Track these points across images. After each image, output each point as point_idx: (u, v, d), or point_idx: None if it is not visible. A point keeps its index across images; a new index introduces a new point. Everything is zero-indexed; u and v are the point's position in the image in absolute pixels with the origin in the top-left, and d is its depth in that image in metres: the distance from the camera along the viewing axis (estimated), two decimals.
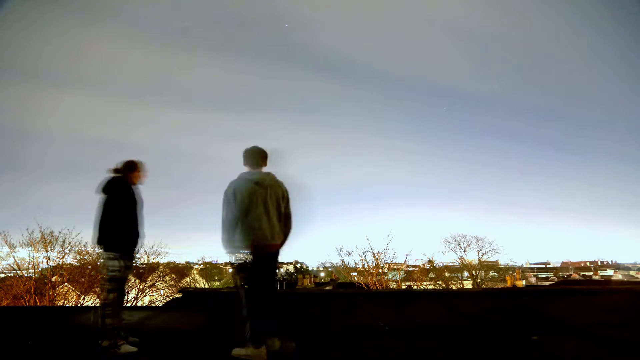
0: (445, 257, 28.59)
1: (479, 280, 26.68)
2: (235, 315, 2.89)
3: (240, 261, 2.97)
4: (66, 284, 16.33)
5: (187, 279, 30.15)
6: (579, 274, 39.02)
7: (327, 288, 20.83)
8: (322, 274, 46.39)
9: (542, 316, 4.31)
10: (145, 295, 20.94)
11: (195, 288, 14.38)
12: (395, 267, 23.75)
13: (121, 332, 3.09)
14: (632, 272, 43.58)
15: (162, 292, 22.52)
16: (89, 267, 17.40)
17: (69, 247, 16.72)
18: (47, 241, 16.06)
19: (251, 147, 3.19)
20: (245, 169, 3.16)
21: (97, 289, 17.53)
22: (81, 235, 16.99)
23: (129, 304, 18.17)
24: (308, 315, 4.56)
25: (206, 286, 32.37)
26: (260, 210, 2.99)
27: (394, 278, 23.27)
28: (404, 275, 25.45)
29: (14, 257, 16.02)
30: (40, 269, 15.90)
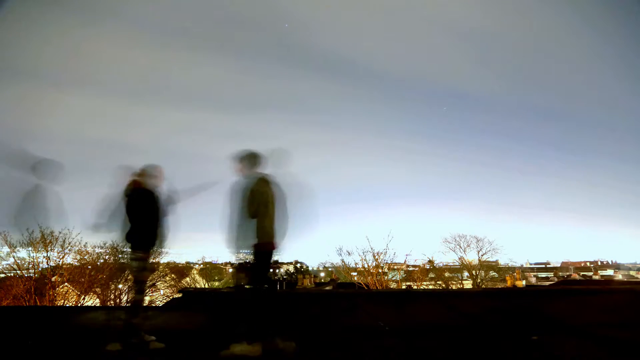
0: (445, 257, 28.59)
1: (479, 280, 26.67)
2: (233, 313, 2.90)
3: (241, 261, 3.00)
4: (66, 284, 16.33)
5: (187, 279, 30.19)
6: (579, 274, 39.00)
7: (327, 288, 20.83)
8: (322, 274, 46.38)
9: (542, 316, 4.31)
10: (145, 295, 20.94)
11: (195, 288, 14.39)
12: (395, 267, 23.74)
13: (142, 332, 3.16)
14: (632, 272, 43.55)
15: (162, 292, 22.53)
16: (89, 267, 17.41)
17: (69, 247, 16.71)
18: (47, 241, 16.06)
19: (248, 150, 3.23)
20: (242, 171, 3.18)
21: (97, 289, 17.54)
22: (81, 235, 16.99)
23: (129, 304, 18.16)
24: (308, 315, 4.56)
25: (206, 286, 32.37)
26: (262, 210, 3.01)
27: (394, 278, 23.26)
28: (404, 275, 25.43)
29: (14, 257, 16.02)
30: (40, 269, 15.90)
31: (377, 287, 19.13)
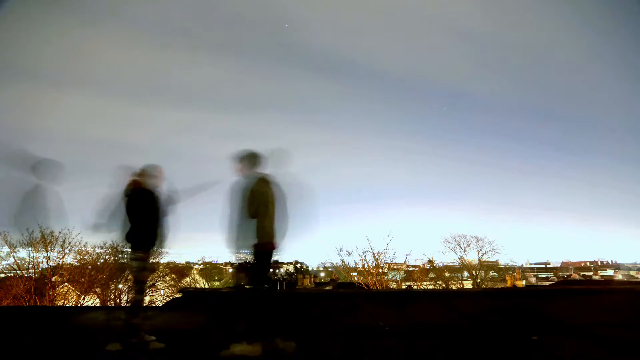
0: (445, 257, 28.59)
1: (479, 280, 26.67)
2: (233, 313, 2.90)
3: (241, 261, 3.00)
4: (66, 284, 16.34)
5: (187, 279, 30.19)
6: (579, 274, 38.98)
7: (327, 288, 20.83)
8: (322, 274, 46.38)
9: (542, 316, 4.31)
10: (145, 295, 20.95)
11: (195, 288, 14.39)
12: (395, 267, 23.73)
13: (142, 332, 3.16)
14: (632, 272, 43.54)
15: (162, 292, 22.54)
16: (89, 267, 17.42)
17: (69, 247, 16.72)
18: (47, 241, 16.06)
19: (248, 150, 3.23)
20: (242, 171, 3.19)
21: (97, 289, 17.55)
22: (81, 235, 16.99)
23: (129, 304, 18.17)
24: (308, 315, 4.56)
25: (206, 286, 32.37)
26: (262, 210, 3.02)
27: (394, 278, 23.26)
28: (404, 275, 25.43)
29: (14, 257, 16.03)
30: (40, 269, 15.91)
31: (377, 287, 19.13)
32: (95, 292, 17.49)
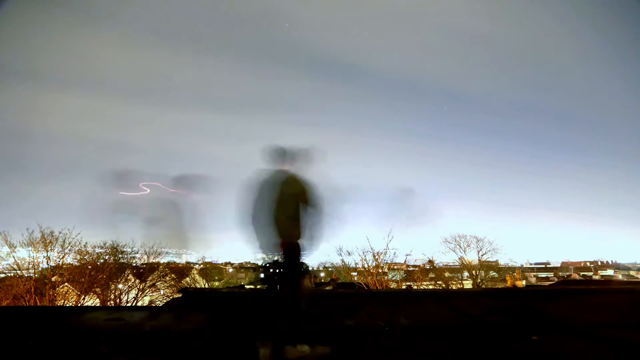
0: (445, 257, 28.59)
1: (479, 280, 26.69)
2: (233, 313, 2.88)
3: (268, 263, 2.95)
4: (66, 284, 16.34)
5: (187, 279, 30.14)
6: (579, 274, 38.98)
7: (327, 288, 20.83)
8: (322, 274, 46.36)
9: (542, 316, 4.31)
10: (145, 295, 20.96)
11: (195, 288, 14.39)
12: (395, 267, 23.73)
13: None
14: (632, 272, 43.56)
15: (162, 292, 22.53)
16: (89, 267, 17.42)
17: (69, 247, 16.75)
18: (47, 241, 16.08)
19: (279, 146, 3.13)
20: (271, 167, 3.10)
21: (97, 289, 17.54)
22: (81, 236, 17.01)
23: (129, 304, 18.18)
24: (308, 315, 4.55)
25: (206, 286, 32.36)
26: (290, 208, 2.94)
27: (394, 278, 23.26)
28: (404, 275, 25.42)
29: (14, 257, 16.05)
30: (40, 269, 15.92)
31: (377, 287, 19.13)
32: (95, 292, 17.50)
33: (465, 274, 28.03)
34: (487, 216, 69.30)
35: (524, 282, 31.02)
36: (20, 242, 16.13)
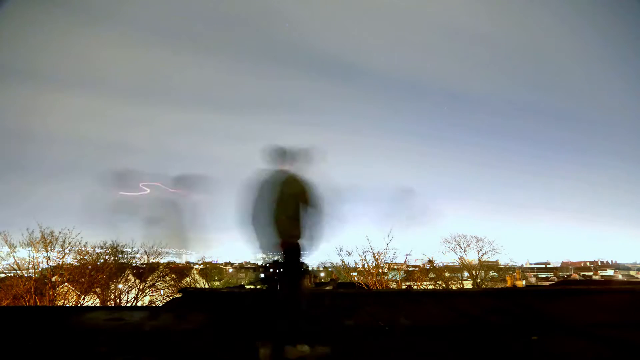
0: (445, 257, 28.58)
1: (479, 280, 26.69)
2: (233, 313, 2.88)
3: (268, 263, 2.96)
4: (66, 284, 16.34)
5: (187, 279, 30.15)
6: (579, 274, 38.97)
7: (327, 288, 20.83)
8: (322, 274, 46.37)
9: (542, 316, 4.31)
10: (145, 295, 20.97)
11: (195, 288, 14.39)
12: (395, 267, 23.73)
13: None
14: (632, 272, 43.56)
15: (162, 292, 22.53)
16: (89, 267, 17.42)
17: (69, 247, 16.76)
18: (47, 241, 16.09)
19: (279, 146, 3.14)
20: (271, 167, 3.12)
21: (97, 289, 17.55)
22: (81, 235, 17.01)
23: (129, 304, 18.18)
24: (308, 315, 4.55)
25: (206, 286, 32.36)
26: (290, 208, 2.95)
27: (394, 278, 23.26)
28: (404, 275, 25.42)
29: (14, 257, 16.05)
30: (40, 269, 15.92)
31: (377, 287, 19.13)
32: (95, 292, 17.50)
33: (465, 274, 28.03)
34: (487, 216, 69.27)
35: (524, 282, 31.02)
36: (20, 242, 16.14)
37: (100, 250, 18.99)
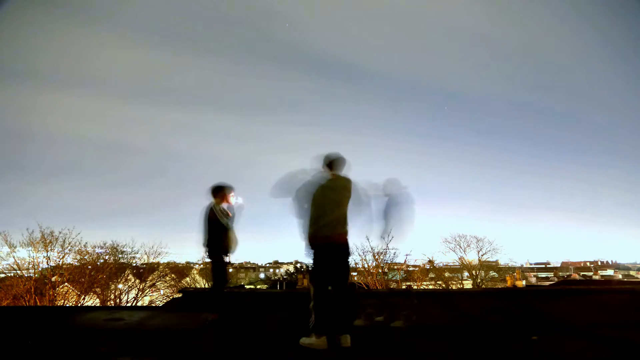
0: (445, 257, 28.60)
1: (479, 280, 26.69)
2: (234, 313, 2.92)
3: (301, 264, 3.24)
4: (66, 284, 16.35)
5: (187, 279, 30.16)
6: (579, 274, 38.96)
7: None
8: None
9: (542, 316, 4.32)
10: (145, 295, 20.98)
11: (195, 288, 14.39)
12: (395, 267, 23.73)
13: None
14: (632, 272, 43.57)
15: (162, 292, 22.55)
16: (89, 267, 17.44)
17: (69, 247, 16.78)
18: (47, 241, 16.10)
19: (330, 152, 3.48)
20: (321, 171, 3.46)
21: (97, 289, 17.56)
22: (81, 235, 17.02)
23: (129, 304, 18.18)
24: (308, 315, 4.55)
25: (206, 286, 32.36)
26: (333, 206, 3.28)
27: (394, 278, 23.26)
28: (404, 275, 25.43)
29: (14, 257, 16.07)
30: (40, 269, 15.93)
31: (377, 287, 19.13)
32: (95, 292, 17.51)
33: (465, 274, 28.03)
34: (487, 216, 69.11)
35: (524, 282, 31.02)
36: (20, 242, 16.16)
37: (100, 250, 19.02)
